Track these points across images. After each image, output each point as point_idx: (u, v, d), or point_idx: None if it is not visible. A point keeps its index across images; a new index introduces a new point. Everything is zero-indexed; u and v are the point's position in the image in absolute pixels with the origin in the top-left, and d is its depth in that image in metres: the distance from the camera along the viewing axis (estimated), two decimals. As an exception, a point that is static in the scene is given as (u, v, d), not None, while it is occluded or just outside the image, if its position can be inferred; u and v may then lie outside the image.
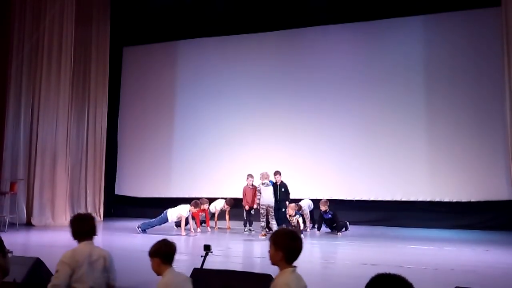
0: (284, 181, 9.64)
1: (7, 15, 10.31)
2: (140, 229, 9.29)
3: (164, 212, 9.46)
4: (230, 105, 12.84)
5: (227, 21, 12.95)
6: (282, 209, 9.27)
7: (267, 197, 9.04)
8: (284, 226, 8.99)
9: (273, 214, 9.02)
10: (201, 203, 9.72)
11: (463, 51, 10.95)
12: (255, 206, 9.38)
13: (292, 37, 12.55)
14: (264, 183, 9.06)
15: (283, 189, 9.45)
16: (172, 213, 9.35)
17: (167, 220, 9.39)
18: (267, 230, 9.19)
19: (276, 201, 9.38)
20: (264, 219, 9.04)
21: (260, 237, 8.90)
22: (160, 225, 9.47)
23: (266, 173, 9.27)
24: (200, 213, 9.93)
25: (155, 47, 14.02)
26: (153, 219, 9.50)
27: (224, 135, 12.77)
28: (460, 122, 10.82)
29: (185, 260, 6.61)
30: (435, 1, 11.18)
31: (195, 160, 12.90)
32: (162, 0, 12.75)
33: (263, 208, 9.01)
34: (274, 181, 9.53)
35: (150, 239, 8.70)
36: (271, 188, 9.15)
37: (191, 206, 9.37)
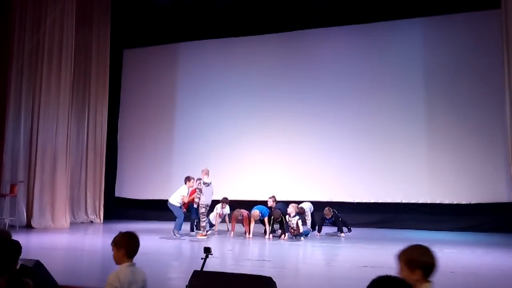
0: (279, 206, 9.37)
1: (8, 18, 10.32)
2: (178, 234, 8.99)
3: (170, 206, 9.26)
4: (231, 107, 12.85)
5: (227, 23, 12.97)
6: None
7: (208, 196, 8.99)
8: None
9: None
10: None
11: (463, 53, 10.97)
12: (195, 205, 9.21)
13: (292, 39, 12.57)
14: (205, 183, 8.97)
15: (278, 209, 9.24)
16: (174, 199, 9.18)
17: (178, 208, 9.14)
18: (272, 234, 9.24)
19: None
20: (205, 218, 8.95)
21: (199, 237, 8.80)
22: (183, 217, 9.16)
23: (207, 169, 9.19)
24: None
25: (155, 49, 14.04)
26: (176, 221, 9.19)
27: (224, 137, 12.77)
28: (460, 125, 10.82)
29: (185, 263, 6.62)
30: (435, 3, 11.20)
31: (196, 162, 12.84)
32: (162, 2, 12.78)
33: (203, 207, 8.92)
34: (269, 205, 9.46)
35: (153, 242, 8.64)
36: (211, 187, 9.09)
37: (186, 183, 9.28)
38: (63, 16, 11.14)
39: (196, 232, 9.36)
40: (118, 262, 2.94)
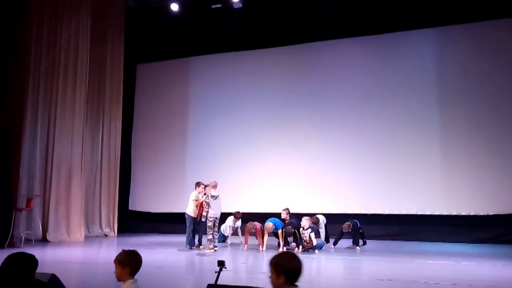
0: (291, 219, 9.31)
1: (24, 35, 10.53)
2: (187, 246, 9.17)
3: (186, 217, 9.35)
4: (243, 120, 12.89)
5: (239, 37, 13.09)
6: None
7: (216, 209, 8.90)
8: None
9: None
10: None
11: (476, 63, 10.88)
12: (203, 219, 9.14)
13: (303, 52, 12.62)
14: (213, 196, 8.89)
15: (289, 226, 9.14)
16: (189, 209, 9.26)
17: (190, 221, 9.24)
18: (286, 246, 9.16)
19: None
20: (211, 232, 8.84)
21: (206, 251, 8.71)
22: (190, 231, 9.27)
23: (215, 181, 9.11)
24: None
25: (168, 63, 14.21)
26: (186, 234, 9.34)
27: (237, 149, 12.80)
28: (476, 135, 10.69)
29: (199, 276, 6.59)
30: (447, 13, 11.15)
31: (209, 175, 12.84)
32: (175, 18, 12.96)
33: (210, 221, 8.84)
34: (283, 218, 9.40)
35: (167, 255, 8.61)
36: (219, 200, 9.00)
37: (196, 188, 9.33)
38: (78, 32, 11.36)
39: (204, 246, 9.25)
40: (121, 279, 3.05)
